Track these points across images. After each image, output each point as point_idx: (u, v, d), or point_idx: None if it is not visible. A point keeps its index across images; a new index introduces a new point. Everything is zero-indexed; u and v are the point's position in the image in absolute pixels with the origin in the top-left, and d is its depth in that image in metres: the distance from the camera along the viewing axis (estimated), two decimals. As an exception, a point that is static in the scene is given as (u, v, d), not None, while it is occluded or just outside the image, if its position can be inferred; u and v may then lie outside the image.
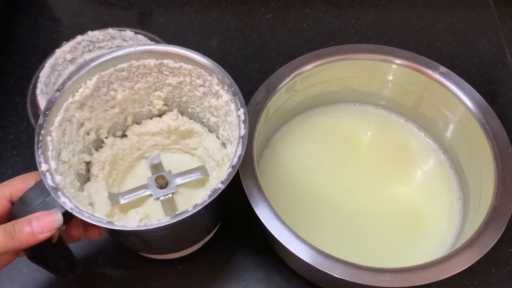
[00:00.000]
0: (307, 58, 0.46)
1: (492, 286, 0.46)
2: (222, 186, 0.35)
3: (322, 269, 0.36)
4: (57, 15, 0.64)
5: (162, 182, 0.44)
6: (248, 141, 0.41)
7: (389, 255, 0.43)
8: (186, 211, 0.34)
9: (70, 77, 0.40)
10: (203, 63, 0.41)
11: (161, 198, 0.44)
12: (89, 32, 0.54)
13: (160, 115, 0.47)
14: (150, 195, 0.44)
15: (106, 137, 0.46)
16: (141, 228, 0.34)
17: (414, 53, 0.46)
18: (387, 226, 0.45)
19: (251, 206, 0.38)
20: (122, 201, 0.44)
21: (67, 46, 0.53)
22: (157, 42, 0.55)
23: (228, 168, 0.36)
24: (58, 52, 0.53)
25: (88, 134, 0.44)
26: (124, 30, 0.55)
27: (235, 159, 0.37)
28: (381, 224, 0.45)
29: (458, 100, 0.44)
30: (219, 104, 0.42)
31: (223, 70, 0.40)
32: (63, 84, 0.40)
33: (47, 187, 0.35)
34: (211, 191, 0.35)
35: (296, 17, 0.63)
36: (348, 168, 0.48)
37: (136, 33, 0.55)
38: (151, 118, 0.47)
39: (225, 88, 0.40)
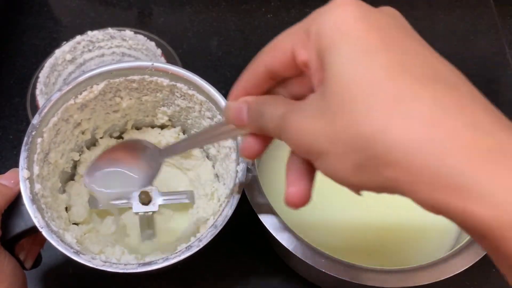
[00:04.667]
0: (307, 58, 0.46)
1: (492, 286, 0.45)
2: (198, 245, 0.34)
3: (322, 270, 0.36)
4: (57, 15, 0.64)
5: (144, 199, 0.43)
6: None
7: (390, 255, 0.43)
8: (155, 262, 0.33)
9: (74, 78, 0.39)
10: (217, 100, 0.39)
11: (140, 214, 0.44)
12: (89, 32, 0.54)
13: (162, 127, 0.46)
14: (131, 207, 0.44)
15: (101, 137, 0.45)
16: (106, 269, 0.33)
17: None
18: (388, 226, 0.45)
19: (251, 206, 0.38)
20: (101, 207, 0.43)
21: (66, 46, 0.53)
22: (157, 42, 0.55)
23: (210, 227, 0.34)
24: (58, 52, 0.53)
25: (83, 133, 0.43)
26: (124, 30, 0.55)
27: (220, 219, 0.34)
28: (382, 224, 0.45)
29: (458, 100, 0.44)
30: (222, 143, 0.41)
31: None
32: (67, 84, 0.39)
33: (23, 197, 0.34)
34: (186, 247, 0.34)
35: (296, 17, 0.63)
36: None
37: (135, 33, 0.54)
38: (152, 127, 0.46)
39: None
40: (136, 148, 0.35)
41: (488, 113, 0.20)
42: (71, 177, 0.44)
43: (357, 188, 0.23)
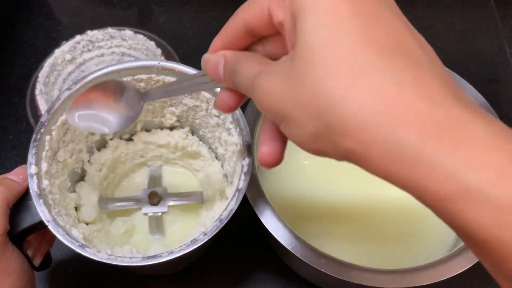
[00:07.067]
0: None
1: (492, 286, 0.45)
2: (203, 238, 0.33)
3: (322, 270, 0.36)
4: (57, 15, 0.64)
5: (154, 200, 0.44)
6: (248, 142, 0.41)
7: (390, 256, 0.43)
8: (160, 256, 0.33)
9: (83, 77, 0.39)
10: None
11: (150, 214, 0.44)
12: (89, 32, 0.54)
13: (171, 128, 0.47)
14: (140, 207, 0.44)
15: (111, 139, 0.45)
16: (111, 262, 0.33)
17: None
18: (388, 227, 0.45)
19: (251, 206, 0.38)
20: (110, 208, 0.43)
21: (66, 46, 0.53)
22: (156, 42, 0.55)
23: (216, 220, 0.34)
24: (57, 52, 0.53)
25: (92, 134, 0.43)
26: (124, 30, 0.55)
27: (225, 213, 0.34)
28: (382, 225, 0.45)
29: (459, 100, 0.44)
30: (229, 140, 0.41)
31: (241, 111, 0.39)
32: (75, 83, 0.39)
33: (30, 192, 0.35)
34: (191, 240, 0.33)
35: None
36: (348, 168, 0.48)
37: (135, 32, 0.54)
38: (161, 129, 0.47)
39: (238, 130, 0.38)
40: (115, 90, 0.34)
41: (444, 87, 0.20)
42: (82, 178, 0.44)
43: (316, 154, 0.23)
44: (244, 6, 0.26)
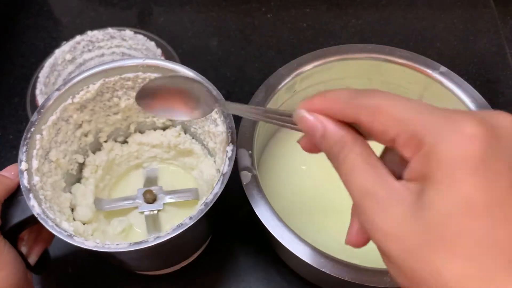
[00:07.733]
0: (306, 58, 0.46)
1: (492, 286, 0.45)
2: (189, 222, 0.34)
3: (322, 270, 0.36)
4: (57, 15, 0.64)
5: (149, 198, 0.44)
6: (248, 141, 0.41)
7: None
8: (147, 241, 0.33)
9: (72, 78, 0.39)
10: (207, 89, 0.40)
11: (146, 213, 0.44)
12: (89, 32, 0.54)
13: (164, 128, 0.47)
14: (136, 207, 0.44)
15: (106, 141, 0.46)
16: (98, 249, 0.33)
17: (414, 53, 0.46)
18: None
19: (251, 206, 0.38)
20: (106, 208, 0.44)
21: (66, 46, 0.53)
22: (156, 42, 0.55)
23: (201, 204, 0.35)
24: (58, 52, 0.53)
25: (86, 136, 0.43)
26: (124, 30, 0.55)
27: (210, 197, 0.35)
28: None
29: (458, 99, 0.44)
30: (216, 132, 0.41)
31: (224, 100, 0.39)
32: (64, 84, 0.39)
33: (21, 187, 0.35)
34: (177, 225, 0.34)
35: (296, 17, 0.63)
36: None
37: (135, 32, 0.55)
38: (154, 130, 0.47)
39: (222, 118, 0.39)
40: (191, 96, 0.36)
41: None
42: (78, 180, 0.44)
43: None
44: (366, 105, 0.23)
